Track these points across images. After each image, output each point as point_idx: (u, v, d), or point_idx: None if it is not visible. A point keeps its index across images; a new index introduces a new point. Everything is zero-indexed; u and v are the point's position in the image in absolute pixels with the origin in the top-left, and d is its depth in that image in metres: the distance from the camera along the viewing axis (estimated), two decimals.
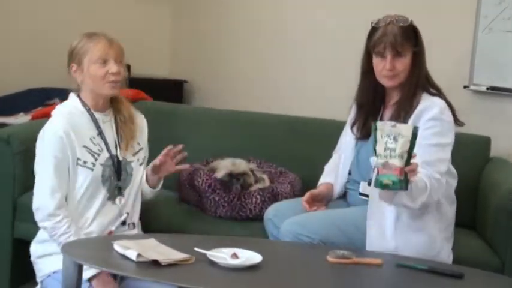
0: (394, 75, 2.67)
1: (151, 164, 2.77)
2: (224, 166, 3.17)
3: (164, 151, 2.73)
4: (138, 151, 2.80)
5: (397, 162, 2.28)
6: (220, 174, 3.12)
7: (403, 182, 2.30)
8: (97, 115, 2.70)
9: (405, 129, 2.32)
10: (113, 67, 2.63)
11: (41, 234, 2.69)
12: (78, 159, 2.62)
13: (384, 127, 2.34)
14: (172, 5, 5.56)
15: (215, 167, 3.20)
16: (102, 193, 2.67)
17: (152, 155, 2.83)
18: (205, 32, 5.20)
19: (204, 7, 5.26)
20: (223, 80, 5.06)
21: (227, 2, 5.09)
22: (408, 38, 2.66)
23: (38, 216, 2.60)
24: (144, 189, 2.81)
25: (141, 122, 2.85)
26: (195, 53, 5.33)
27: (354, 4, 4.22)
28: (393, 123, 2.36)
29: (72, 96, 2.73)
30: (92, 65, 2.63)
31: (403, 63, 2.67)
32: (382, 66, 2.68)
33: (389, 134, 2.31)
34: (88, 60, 2.63)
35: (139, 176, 2.79)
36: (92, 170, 2.64)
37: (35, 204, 2.61)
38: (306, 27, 4.49)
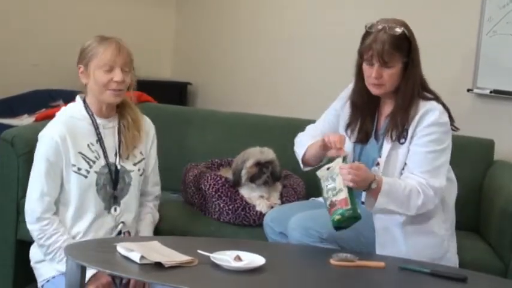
0: (380, 84, 2.60)
1: None
2: (252, 154, 3.10)
3: None
4: (140, 161, 2.74)
5: (339, 197, 2.39)
6: (249, 163, 3.07)
7: (351, 210, 2.37)
8: (99, 121, 2.66)
9: (337, 166, 2.43)
10: (117, 75, 2.58)
11: None
12: (72, 165, 2.59)
13: (323, 174, 2.47)
14: (176, 7, 5.57)
15: (246, 158, 3.11)
16: (97, 201, 2.63)
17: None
18: (209, 34, 5.20)
19: (207, 9, 5.27)
20: (227, 83, 5.06)
21: (231, 4, 5.09)
22: (398, 47, 2.56)
23: (27, 219, 2.62)
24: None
25: (148, 130, 2.79)
26: (198, 55, 5.34)
27: (355, 5, 4.22)
28: (328, 165, 2.47)
29: (78, 99, 2.70)
30: (97, 70, 2.59)
31: (390, 74, 2.58)
32: (369, 74, 2.61)
33: (327, 178, 2.44)
34: (94, 65, 2.59)
35: (138, 186, 2.74)
36: (86, 177, 2.60)
37: (26, 207, 2.63)
38: (309, 30, 4.49)
